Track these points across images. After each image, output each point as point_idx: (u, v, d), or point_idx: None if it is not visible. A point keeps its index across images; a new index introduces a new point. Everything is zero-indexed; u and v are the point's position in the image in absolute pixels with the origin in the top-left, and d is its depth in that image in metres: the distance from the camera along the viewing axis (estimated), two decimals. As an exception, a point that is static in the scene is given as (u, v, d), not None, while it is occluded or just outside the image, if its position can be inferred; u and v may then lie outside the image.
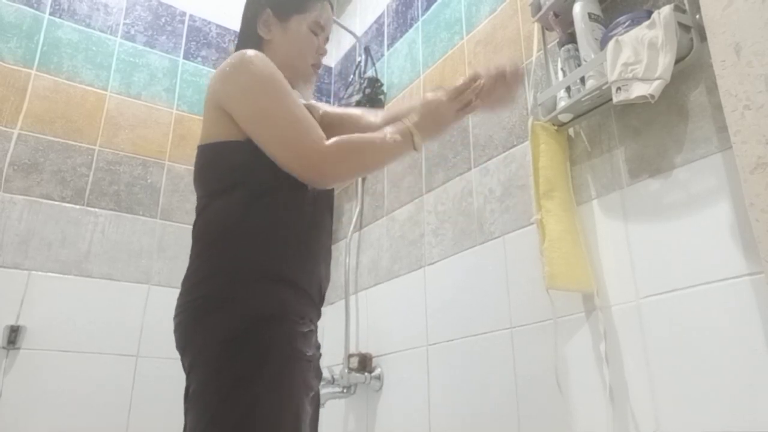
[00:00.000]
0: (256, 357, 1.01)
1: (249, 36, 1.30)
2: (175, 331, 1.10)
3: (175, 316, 1.10)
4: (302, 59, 1.29)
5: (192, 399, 1.03)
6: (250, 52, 1.15)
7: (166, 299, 2.34)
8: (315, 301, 1.18)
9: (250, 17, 1.30)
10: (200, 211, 1.15)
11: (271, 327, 1.05)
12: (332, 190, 1.27)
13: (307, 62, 1.30)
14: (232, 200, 1.11)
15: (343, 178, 1.20)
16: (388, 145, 1.15)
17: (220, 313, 1.04)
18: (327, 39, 1.35)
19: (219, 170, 1.15)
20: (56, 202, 2.30)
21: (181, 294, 1.11)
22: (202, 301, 1.06)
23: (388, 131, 1.16)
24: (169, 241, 2.49)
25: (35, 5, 2.48)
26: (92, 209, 2.37)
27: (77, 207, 2.34)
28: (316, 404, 1.19)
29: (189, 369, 1.06)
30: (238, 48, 1.27)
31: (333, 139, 1.11)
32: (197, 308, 1.07)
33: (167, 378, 2.13)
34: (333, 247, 2.59)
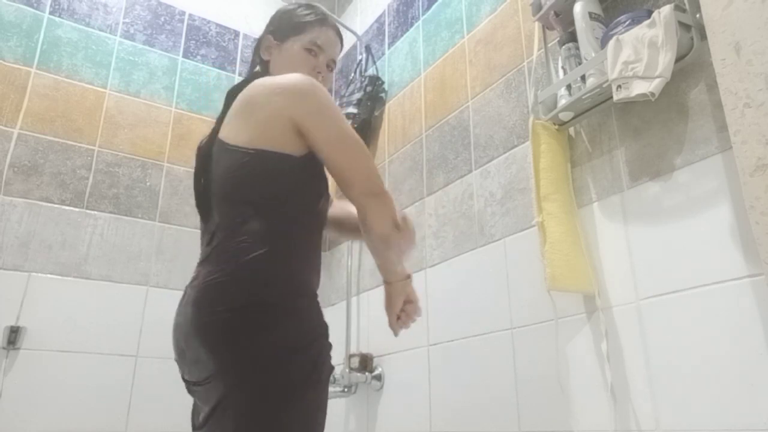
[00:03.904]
0: (310, 371, 1.07)
1: (257, 59, 1.42)
2: (209, 328, 1.07)
3: (213, 315, 1.07)
4: None
5: (231, 404, 1.03)
6: (311, 79, 1.23)
7: (165, 301, 2.38)
8: None
9: (257, 45, 1.44)
10: (246, 218, 1.15)
11: (321, 342, 1.13)
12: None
13: None
14: (284, 215, 1.16)
15: (380, 211, 1.20)
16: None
17: (282, 322, 1.08)
18: (331, 62, 1.43)
19: (271, 181, 1.18)
20: (56, 205, 2.30)
21: (217, 297, 1.09)
22: (263, 308, 1.08)
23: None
24: (167, 243, 2.49)
25: (35, 4, 2.49)
26: (92, 212, 2.37)
27: (77, 210, 2.34)
28: None
29: (217, 371, 1.05)
30: (250, 70, 1.45)
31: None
32: (254, 314, 1.07)
33: (166, 378, 2.13)
34: (335, 249, 2.67)
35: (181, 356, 1.15)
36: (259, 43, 1.42)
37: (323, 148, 1.19)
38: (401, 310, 1.28)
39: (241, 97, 1.23)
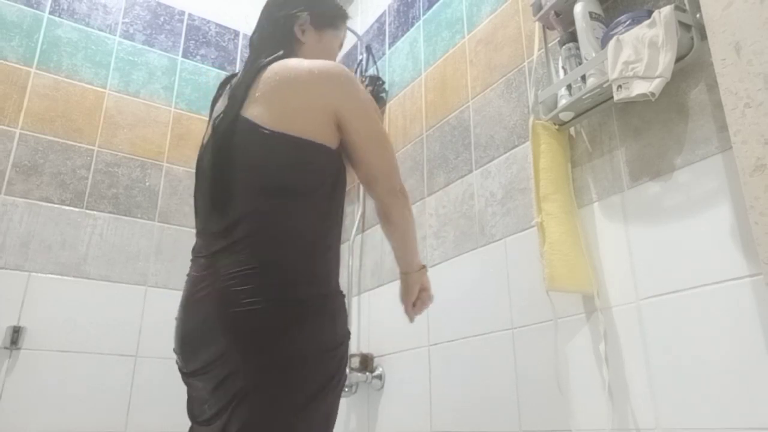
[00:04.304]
0: (333, 374, 1.06)
1: (283, 33, 1.33)
2: (239, 319, 1.02)
3: (245, 306, 1.02)
4: None
5: (249, 398, 1.00)
6: (352, 72, 1.26)
7: (164, 301, 2.39)
8: None
9: (285, 16, 1.34)
10: (281, 210, 1.10)
11: (346, 346, 1.12)
12: None
13: None
14: (319, 209, 1.13)
15: (404, 206, 1.26)
16: (412, 225, 1.30)
17: (318, 321, 1.06)
18: None
19: (309, 173, 1.13)
20: (56, 205, 2.31)
21: (251, 289, 1.03)
22: (297, 305, 1.05)
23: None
24: (166, 243, 2.50)
25: (35, 5, 2.49)
26: (91, 212, 2.38)
27: (76, 210, 2.35)
28: None
29: (241, 365, 1.01)
30: (263, 41, 1.31)
31: None
32: (289, 311, 1.04)
33: (166, 378, 2.13)
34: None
35: (189, 346, 1.10)
36: (293, 17, 1.34)
37: (358, 142, 1.18)
38: (417, 297, 1.35)
39: (276, 76, 1.16)
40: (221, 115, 1.20)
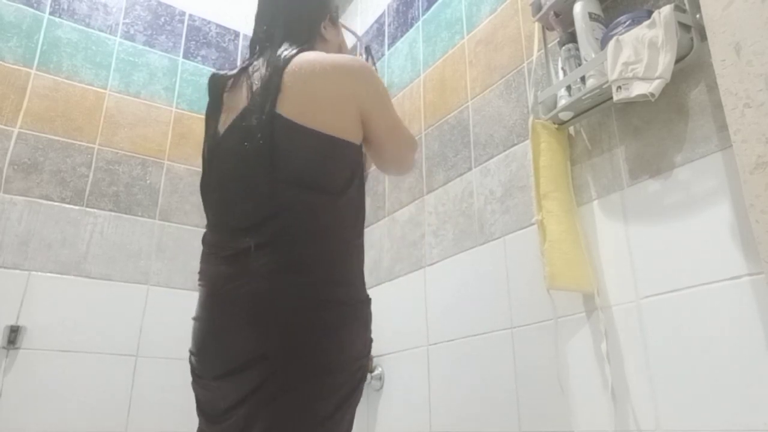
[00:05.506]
0: (360, 380, 1.06)
1: (311, 30, 1.33)
2: (281, 322, 1.00)
3: (288, 305, 1.00)
4: None
5: (281, 402, 0.96)
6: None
7: (165, 299, 2.39)
8: None
9: (315, 16, 1.36)
10: (317, 208, 1.08)
11: (370, 353, 1.11)
12: None
13: None
14: (349, 208, 1.13)
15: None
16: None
17: (355, 326, 1.06)
18: None
19: (342, 170, 1.13)
20: (56, 203, 2.31)
21: (298, 287, 1.02)
22: (339, 307, 1.03)
23: None
24: (167, 242, 2.49)
25: (35, 5, 2.49)
26: (91, 210, 2.38)
27: (76, 208, 2.35)
28: None
29: (280, 369, 0.97)
30: (282, 32, 1.28)
31: None
32: (332, 314, 1.02)
33: (166, 378, 2.13)
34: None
35: (216, 347, 1.04)
36: (323, 15, 1.36)
37: (379, 135, 1.20)
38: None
39: (301, 70, 1.13)
40: (248, 107, 1.14)
